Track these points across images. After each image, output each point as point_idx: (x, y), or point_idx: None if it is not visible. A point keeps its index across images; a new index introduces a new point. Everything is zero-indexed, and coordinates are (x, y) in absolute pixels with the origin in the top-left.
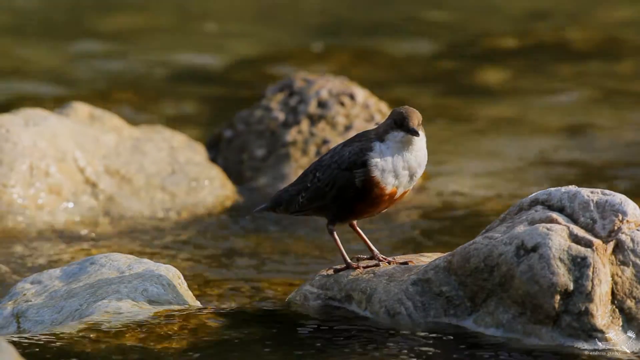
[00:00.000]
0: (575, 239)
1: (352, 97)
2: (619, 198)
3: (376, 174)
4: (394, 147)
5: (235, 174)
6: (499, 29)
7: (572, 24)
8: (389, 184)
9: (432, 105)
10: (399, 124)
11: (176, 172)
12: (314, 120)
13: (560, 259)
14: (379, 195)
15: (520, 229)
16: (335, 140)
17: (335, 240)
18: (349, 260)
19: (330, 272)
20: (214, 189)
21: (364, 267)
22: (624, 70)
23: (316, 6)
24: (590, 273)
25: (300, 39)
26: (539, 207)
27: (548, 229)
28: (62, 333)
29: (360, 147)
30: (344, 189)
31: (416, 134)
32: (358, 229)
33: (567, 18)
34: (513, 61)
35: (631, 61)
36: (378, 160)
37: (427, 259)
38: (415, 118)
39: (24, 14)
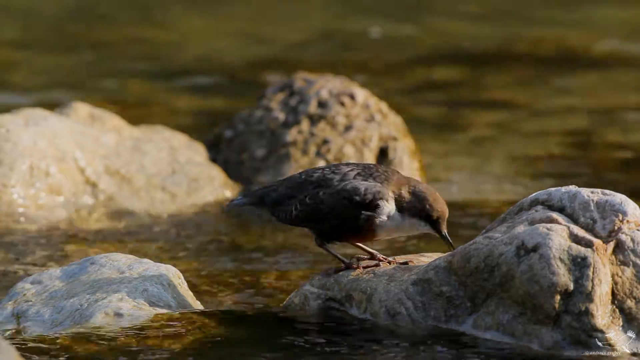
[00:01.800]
0: (576, 239)
1: (352, 97)
2: (619, 198)
3: (377, 223)
4: (408, 224)
5: (235, 174)
6: (499, 40)
7: (571, 32)
8: (380, 234)
9: (434, 112)
10: (432, 222)
11: (176, 172)
12: (314, 120)
13: (561, 259)
14: (370, 235)
15: (521, 229)
16: (336, 140)
17: (327, 250)
18: (348, 261)
19: (331, 272)
20: (214, 189)
21: (364, 267)
22: (622, 77)
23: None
24: (591, 273)
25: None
26: (539, 207)
27: (548, 229)
28: (62, 333)
29: (378, 192)
30: (347, 221)
31: (450, 245)
32: None
33: (565, 26)
34: (513, 71)
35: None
36: (384, 219)
37: (427, 259)
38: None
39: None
